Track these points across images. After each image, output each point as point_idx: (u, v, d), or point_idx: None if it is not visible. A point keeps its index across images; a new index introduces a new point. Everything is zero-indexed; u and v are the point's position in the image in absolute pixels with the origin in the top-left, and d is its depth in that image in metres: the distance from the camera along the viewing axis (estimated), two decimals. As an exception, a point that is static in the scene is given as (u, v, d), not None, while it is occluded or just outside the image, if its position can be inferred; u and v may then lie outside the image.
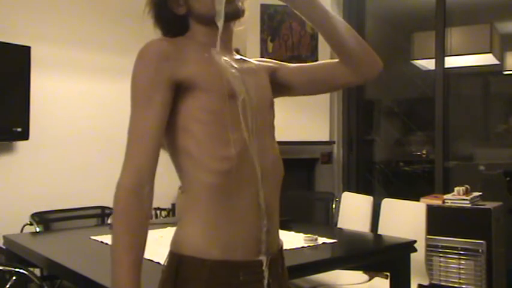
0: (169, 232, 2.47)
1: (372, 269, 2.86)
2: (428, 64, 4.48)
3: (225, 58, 1.21)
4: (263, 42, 4.56)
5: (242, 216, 1.10)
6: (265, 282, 1.11)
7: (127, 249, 1.04)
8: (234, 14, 1.20)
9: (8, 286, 2.07)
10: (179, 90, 1.12)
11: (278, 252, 1.20)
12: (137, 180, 1.06)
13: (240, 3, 1.21)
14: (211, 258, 1.07)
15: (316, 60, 4.72)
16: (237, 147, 1.11)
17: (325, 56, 4.71)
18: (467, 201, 3.46)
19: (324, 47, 4.70)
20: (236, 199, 1.09)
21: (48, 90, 3.76)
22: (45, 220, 3.40)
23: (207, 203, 1.09)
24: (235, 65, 1.22)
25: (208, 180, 1.09)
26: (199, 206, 1.09)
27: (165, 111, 1.10)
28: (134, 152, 1.08)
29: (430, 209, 2.91)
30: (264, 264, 1.10)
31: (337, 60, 1.32)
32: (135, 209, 1.05)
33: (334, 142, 4.78)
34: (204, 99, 1.11)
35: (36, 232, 3.20)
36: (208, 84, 1.12)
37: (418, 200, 3.40)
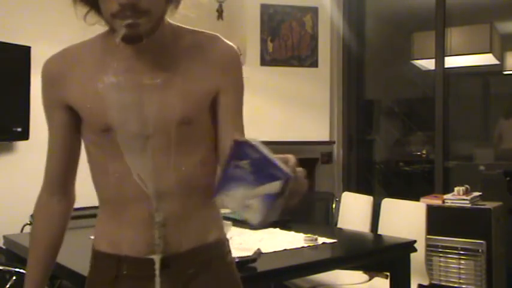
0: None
1: (372, 269, 2.86)
2: (428, 64, 4.48)
3: (116, 77, 1.15)
4: (263, 42, 4.56)
5: (129, 223, 1.19)
6: (157, 280, 1.16)
7: (30, 248, 1.32)
8: (132, 38, 1.11)
9: (8, 286, 2.07)
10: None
11: (188, 253, 1.20)
12: (46, 191, 1.35)
13: (142, 28, 1.09)
14: (99, 249, 1.26)
15: (317, 60, 4.74)
16: (117, 174, 1.19)
17: (325, 56, 4.71)
18: (467, 201, 3.46)
19: (323, 47, 4.70)
20: (123, 211, 1.20)
21: (48, 90, 3.76)
22: (45, 220, 3.40)
23: (102, 209, 1.27)
24: (138, 79, 1.15)
25: (98, 195, 1.27)
26: (100, 209, 1.28)
27: (65, 130, 1.26)
28: (46, 167, 1.35)
29: (430, 209, 2.91)
30: (156, 263, 1.16)
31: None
32: (40, 216, 1.33)
33: (334, 142, 4.79)
34: (87, 129, 1.22)
35: (36, 232, 3.20)
36: (87, 117, 1.19)
37: (418, 200, 3.40)
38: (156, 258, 1.17)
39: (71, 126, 1.25)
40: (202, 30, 1.25)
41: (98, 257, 1.26)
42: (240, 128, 1.25)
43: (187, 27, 1.25)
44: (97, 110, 1.16)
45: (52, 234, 1.33)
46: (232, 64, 1.23)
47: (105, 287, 1.21)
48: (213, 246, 1.24)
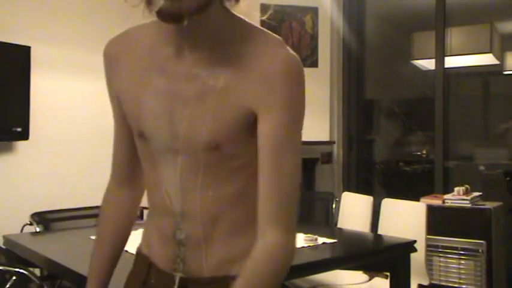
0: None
1: (372, 269, 2.86)
2: (428, 64, 4.48)
3: (154, 79, 1.00)
4: (263, 42, 4.55)
5: (158, 233, 1.12)
6: None
7: (96, 241, 1.24)
8: (171, 14, 0.88)
9: (8, 286, 2.07)
10: None
11: (209, 281, 1.06)
12: (113, 183, 1.21)
13: (184, 3, 0.88)
14: (140, 249, 1.18)
15: (317, 60, 4.73)
16: (151, 182, 1.10)
17: (325, 56, 4.71)
18: (467, 201, 3.46)
19: (323, 47, 4.70)
20: (156, 220, 1.13)
21: (48, 90, 3.76)
22: (45, 220, 3.40)
23: (148, 210, 1.16)
24: (173, 85, 0.98)
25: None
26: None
27: (121, 124, 1.14)
28: (112, 157, 1.20)
29: (430, 209, 2.91)
30: (176, 283, 1.07)
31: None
32: (108, 207, 1.22)
33: (334, 142, 4.78)
34: (130, 124, 1.10)
35: (36, 232, 3.20)
36: (127, 116, 1.09)
37: (418, 200, 3.40)
38: (177, 277, 1.07)
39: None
40: (268, 32, 1.00)
41: (137, 257, 1.18)
42: (282, 170, 0.96)
43: (254, 24, 1.00)
44: (133, 111, 1.05)
45: (120, 226, 1.21)
46: (285, 78, 0.93)
47: None
48: None
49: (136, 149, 1.12)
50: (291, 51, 0.96)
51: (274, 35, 0.99)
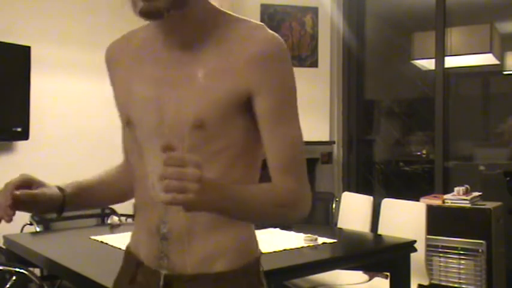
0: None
1: (372, 269, 2.86)
2: (428, 64, 4.48)
3: (142, 69, 1.08)
4: (263, 42, 4.55)
5: (145, 229, 1.12)
6: None
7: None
8: (151, 12, 0.97)
9: (8, 286, 2.07)
10: None
11: (192, 279, 1.06)
12: (122, 162, 1.26)
13: (160, 1, 0.96)
14: (129, 246, 1.19)
15: (317, 60, 4.74)
16: (138, 173, 1.11)
17: (326, 56, 4.71)
18: (467, 201, 3.46)
19: (323, 47, 4.70)
20: (143, 215, 1.13)
21: (48, 90, 3.76)
22: (45, 220, 3.40)
23: (136, 207, 1.18)
24: (162, 72, 1.05)
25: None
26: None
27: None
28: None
29: (430, 209, 2.91)
30: (161, 279, 1.07)
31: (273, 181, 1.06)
32: (112, 169, 1.27)
33: (334, 142, 4.79)
34: (119, 115, 1.16)
35: (36, 232, 3.20)
36: (118, 106, 1.15)
37: (418, 200, 3.39)
38: (162, 273, 1.07)
39: None
40: (249, 20, 1.06)
41: (126, 255, 1.19)
42: (284, 139, 1.03)
43: (234, 14, 1.07)
44: (123, 99, 1.11)
45: (114, 180, 1.25)
46: (271, 58, 0.99)
47: (124, 287, 1.15)
48: (221, 279, 1.06)
49: None
50: (273, 33, 1.02)
51: (255, 21, 1.06)
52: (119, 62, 1.14)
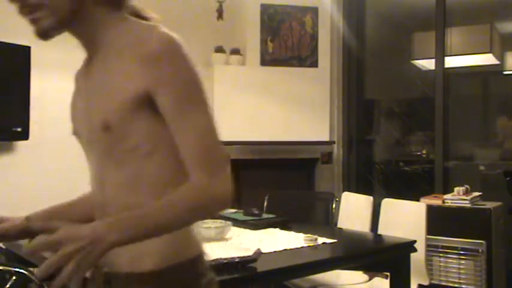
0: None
1: (372, 269, 2.86)
2: (428, 64, 4.48)
3: (76, 81, 1.22)
4: (263, 42, 4.56)
5: None
6: None
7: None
8: (41, 34, 1.11)
9: (8, 286, 2.07)
10: None
11: (125, 277, 1.11)
12: None
13: (44, 23, 1.09)
14: None
15: (317, 60, 4.73)
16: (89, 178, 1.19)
17: (326, 56, 4.71)
18: (467, 201, 3.46)
19: (323, 47, 4.70)
20: (93, 216, 1.19)
21: (48, 90, 3.75)
22: (45, 220, 3.40)
23: None
24: (85, 84, 1.15)
25: None
26: None
27: None
28: None
29: (430, 209, 2.91)
30: (100, 277, 1.14)
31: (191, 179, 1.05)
32: None
33: (334, 142, 4.79)
34: None
35: (36, 232, 3.20)
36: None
37: (418, 200, 3.40)
38: (103, 271, 1.15)
39: None
40: (141, 22, 1.11)
41: None
42: (190, 133, 1.03)
43: (133, 19, 1.12)
44: (71, 114, 1.23)
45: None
46: (162, 56, 1.02)
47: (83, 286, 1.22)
48: (150, 279, 1.08)
49: None
50: (164, 31, 1.04)
51: (148, 22, 1.11)
52: (76, 79, 1.24)
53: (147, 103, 1.04)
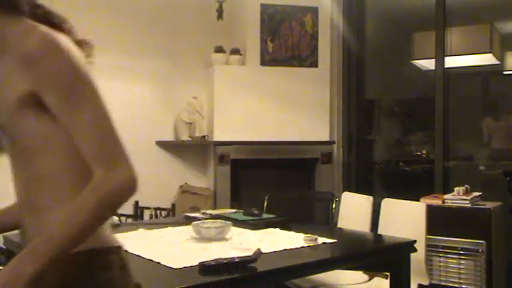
0: (169, 232, 2.47)
1: (372, 269, 2.86)
2: (428, 64, 4.48)
3: None
4: (263, 42, 4.56)
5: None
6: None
7: None
8: None
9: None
10: None
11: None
12: None
13: None
14: None
15: (317, 60, 4.73)
16: None
17: (326, 56, 4.71)
18: (467, 201, 3.46)
19: (323, 47, 4.70)
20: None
21: None
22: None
23: None
24: None
25: None
26: None
27: None
28: None
29: (430, 209, 2.91)
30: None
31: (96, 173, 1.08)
32: None
33: (334, 142, 4.79)
34: None
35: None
36: None
37: (418, 200, 3.39)
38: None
39: None
40: (30, 24, 1.12)
41: None
42: (81, 128, 1.06)
43: (30, 22, 1.13)
44: None
45: None
46: (38, 56, 1.04)
47: None
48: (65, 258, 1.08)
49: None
50: (40, 30, 1.06)
51: (31, 25, 1.10)
52: None
53: (35, 103, 1.06)
